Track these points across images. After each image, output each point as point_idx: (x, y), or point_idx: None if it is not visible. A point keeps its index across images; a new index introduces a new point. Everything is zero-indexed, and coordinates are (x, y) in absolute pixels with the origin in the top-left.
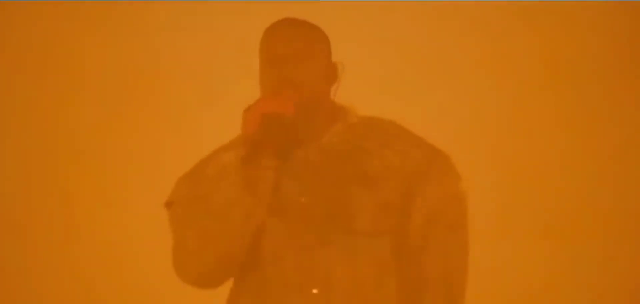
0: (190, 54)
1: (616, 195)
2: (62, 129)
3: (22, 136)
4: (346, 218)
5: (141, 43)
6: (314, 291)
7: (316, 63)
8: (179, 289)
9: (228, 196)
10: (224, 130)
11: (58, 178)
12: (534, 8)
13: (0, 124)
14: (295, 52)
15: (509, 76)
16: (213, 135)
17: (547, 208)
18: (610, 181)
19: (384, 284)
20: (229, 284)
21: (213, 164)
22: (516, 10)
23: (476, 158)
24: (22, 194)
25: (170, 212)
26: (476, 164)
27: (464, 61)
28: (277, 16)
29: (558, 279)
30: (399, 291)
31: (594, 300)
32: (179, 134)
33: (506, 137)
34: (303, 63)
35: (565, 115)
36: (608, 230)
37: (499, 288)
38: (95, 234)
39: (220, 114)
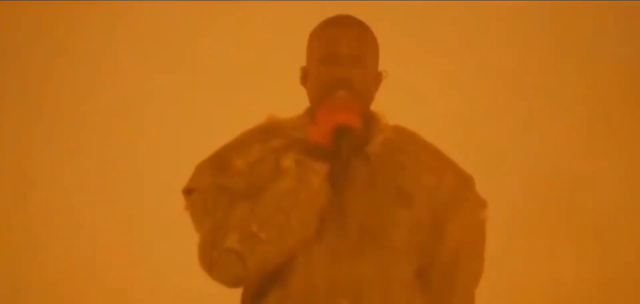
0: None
1: None
2: (64, 129)
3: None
4: (380, 232)
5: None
6: (344, 303)
7: (371, 68)
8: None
9: (288, 197)
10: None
11: (59, 178)
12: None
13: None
14: (355, 55)
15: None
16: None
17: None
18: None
19: (415, 303)
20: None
21: (242, 155)
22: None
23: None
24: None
25: (191, 199)
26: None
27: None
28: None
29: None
30: None
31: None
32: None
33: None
34: (361, 67)
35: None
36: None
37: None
38: (96, 233)
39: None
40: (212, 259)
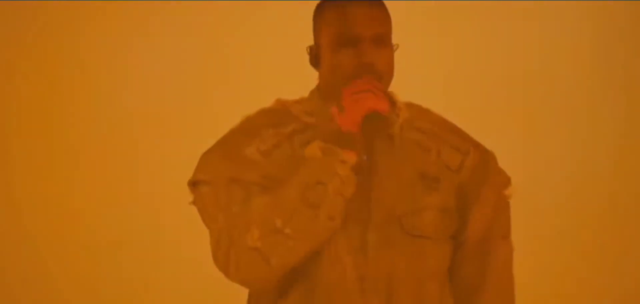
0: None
1: None
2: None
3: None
4: (409, 220)
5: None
6: (375, 299)
7: (390, 45)
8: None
9: (316, 189)
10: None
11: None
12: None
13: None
14: (377, 35)
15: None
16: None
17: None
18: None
19: (446, 293)
20: None
21: (254, 143)
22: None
23: None
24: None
25: (200, 192)
26: None
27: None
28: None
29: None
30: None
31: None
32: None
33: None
34: (383, 47)
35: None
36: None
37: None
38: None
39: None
40: (230, 259)
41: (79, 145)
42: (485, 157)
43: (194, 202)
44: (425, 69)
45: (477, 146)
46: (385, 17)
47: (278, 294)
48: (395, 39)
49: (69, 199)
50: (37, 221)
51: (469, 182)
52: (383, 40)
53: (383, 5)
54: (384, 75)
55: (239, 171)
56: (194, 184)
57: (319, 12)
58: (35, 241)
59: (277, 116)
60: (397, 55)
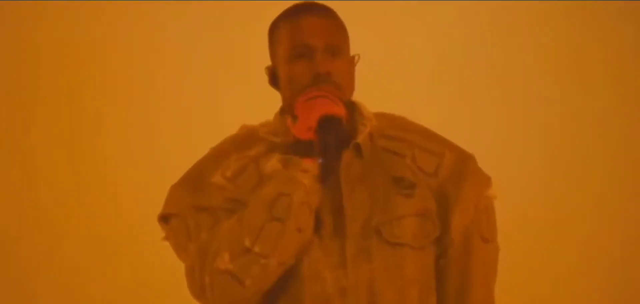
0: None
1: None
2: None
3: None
4: (386, 228)
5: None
6: None
7: (346, 56)
8: None
9: (280, 202)
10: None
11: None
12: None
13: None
14: (330, 44)
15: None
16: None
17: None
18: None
19: (430, 300)
20: None
21: (219, 170)
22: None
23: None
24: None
25: (170, 226)
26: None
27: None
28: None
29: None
30: None
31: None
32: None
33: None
34: (338, 57)
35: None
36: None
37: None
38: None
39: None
40: (205, 286)
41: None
42: (463, 158)
43: (166, 237)
44: (409, 70)
45: (453, 148)
46: (338, 28)
47: None
48: (382, 39)
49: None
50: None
51: (447, 185)
52: (337, 50)
53: (336, 16)
54: (342, 85)
55: (204, 198)
56: (163, 219)
57: (272, 30)
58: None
59: (242, 140)
60: (384, 56)
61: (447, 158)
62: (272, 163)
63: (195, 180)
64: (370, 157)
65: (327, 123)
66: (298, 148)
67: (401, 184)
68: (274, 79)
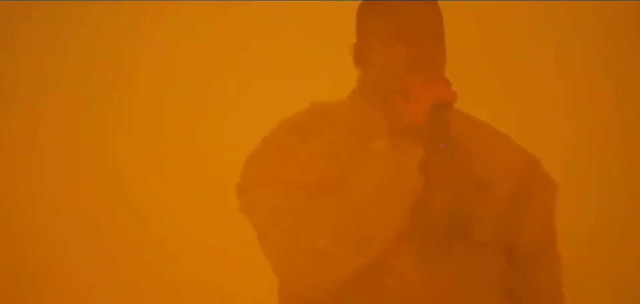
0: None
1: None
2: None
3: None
4: (467, 227)
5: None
6: None
7: (443, 45)
8: None
9: (388, 187)
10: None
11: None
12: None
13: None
14: (434, 32)
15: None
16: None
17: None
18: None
19: None
20: None
21: (304, 146)
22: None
23: None
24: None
25: (256, 196)
26: None
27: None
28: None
29: None
30: None
31: None
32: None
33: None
34: (439, 45)
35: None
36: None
37: None
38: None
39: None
40: (297, 263)
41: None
42: (533, 162)
43: (243, 209)
44: None
45: (523, 151)
46: (440, 14)
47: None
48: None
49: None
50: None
51: (520, 189)
52: (439, 37)
53: (437, 2)
54: (440, 72)
55: (291, 172)
56: (243, 188)
57: (371, 6)
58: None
59: (322, 117)
60: None
61: (518, 161)
62: (380, 144)
63: (280, 151)
64: (453, 151)
65: (440, 109)
66: (405, 131)
67: (479, 184)
68: (361, 58)
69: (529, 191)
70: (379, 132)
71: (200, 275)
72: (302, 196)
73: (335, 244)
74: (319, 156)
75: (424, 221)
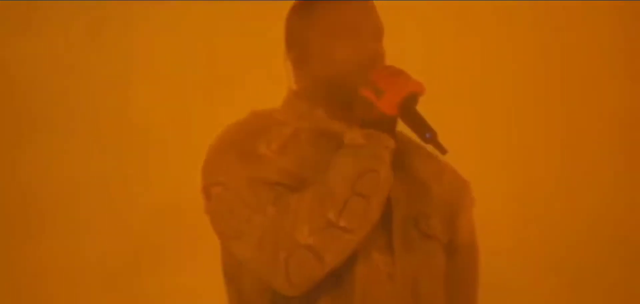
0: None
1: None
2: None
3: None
4: (424, 220)
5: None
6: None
7: (382, 42)
8: None
9: (367, 178)
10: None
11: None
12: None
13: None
14: (377, 28)
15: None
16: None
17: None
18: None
19: (445, 298)
20: None
21: (264, 143)
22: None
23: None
24: None
25: (223, 195)
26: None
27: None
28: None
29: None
30: None
31: None
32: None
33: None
34: (378, 41)
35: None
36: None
37: None
38: None
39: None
40: (277, 260)
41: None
42: (454, 168)
43: (210, 209)
44: None
45: (449, 166)
46: (376, 12)
47: (305, 301)
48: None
49: None
50: None
51: (451, 193)
52: (381, 34)
53: (373, 2)
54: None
55: (257, 169)
56: (209, 187)
57: (308, 8)
58: None
59: (270, 119)
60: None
61: (447, 167)
62: (353, 136)
63: (242, 149)
64: (406, 146)
65: (410, 101)
66: (377, 122)
67: (426, 181)
68: (300, 57)
69: (462, 194)
70: (339, 131)
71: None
72: (269, 192)
73: (317, 237)
74: (281, 153)
75: (385, 214)
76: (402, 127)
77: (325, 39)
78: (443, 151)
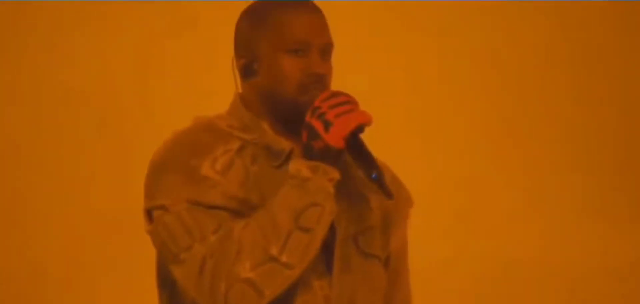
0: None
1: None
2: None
3: None
4: (362, 239)
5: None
6: None
7: (331, 57)
8: None
9: (311, 212)
10: None
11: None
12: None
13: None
14: (326, 45)
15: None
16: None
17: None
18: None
19: None
20: None
21: (208, 163)
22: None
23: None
24: None
25: (165, 219)
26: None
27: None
28: None
29: None
30: None
31: None
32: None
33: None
34: (329, 60)
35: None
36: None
37: None
38: None
39: None
40: (215, 291)
41: None
42: (394, 175)
43: (153, 231)
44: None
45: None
46: (327, 27)
47: None
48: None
49: None
50: None
51: (388, 202)
52: (330, 52)
53: (324, 15)
54: (329, 88)
55: (200, 194)
56: (150, 210)
57: (261, 16)
58: None
59: (215, 132)
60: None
61: (387, 173)
62: (298, 167)
63: (185, 170)
64: (343, 164)
65: (357, 132)
66: (322, 154)
67: (364, 196)
68: (247, 67)
69: (397, 202)
70: (286, 149)
71: None
72: (211, 219)
73: (258, 272)
74: (226, 174)
75: (329, 239)
76: None
77: (274, 53)
78: (389, 195)
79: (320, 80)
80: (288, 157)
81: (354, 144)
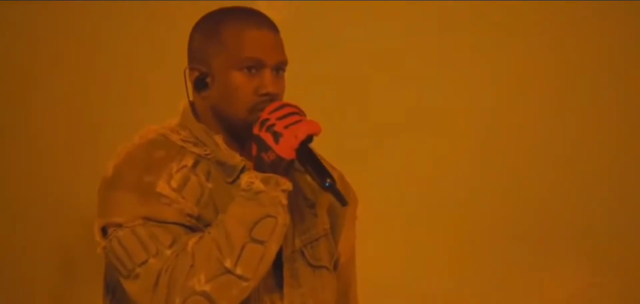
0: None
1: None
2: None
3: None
4: (309, 251)
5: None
6: None
7: (284, 72)
8: None
9: (265, 224)
10: None
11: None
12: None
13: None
14: (280, 63)
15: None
16: None
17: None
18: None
19: None
20: None
21: (164, 180)
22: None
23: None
24: None
25: (120, 235)
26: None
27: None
28: None
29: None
30: None
31: None
32: None
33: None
34: (283, 78)
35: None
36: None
37: None
38: None
39: None
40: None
41: None
42: (342, 176)
43: (107, 247)
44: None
45: (332, 166)
46: (281, 42)
47: None
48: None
49: None
50: None
51: (334, 203)
52: (283, 69)
53: (279, 33)
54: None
55: (155, 210)
56: (105, 226)
57: (216, 30)
58: None
59: (168, 147)
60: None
61: (335, 174)
62: (251, 179)
63: (141, 187)
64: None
65: (307, 143)
66: (273, 166)
67: (310, 204)
68: (201, 81)
69: (345, 213)
70: (239, 165)
71: None
72: (166, 234)
73: (213, 284)
74: (181, 191)
75: (277, 254)
76: None
77: (227, 70)
78: (344, 202)
79: (273, 99)
80: (241, 172)
81: (305, 154)
